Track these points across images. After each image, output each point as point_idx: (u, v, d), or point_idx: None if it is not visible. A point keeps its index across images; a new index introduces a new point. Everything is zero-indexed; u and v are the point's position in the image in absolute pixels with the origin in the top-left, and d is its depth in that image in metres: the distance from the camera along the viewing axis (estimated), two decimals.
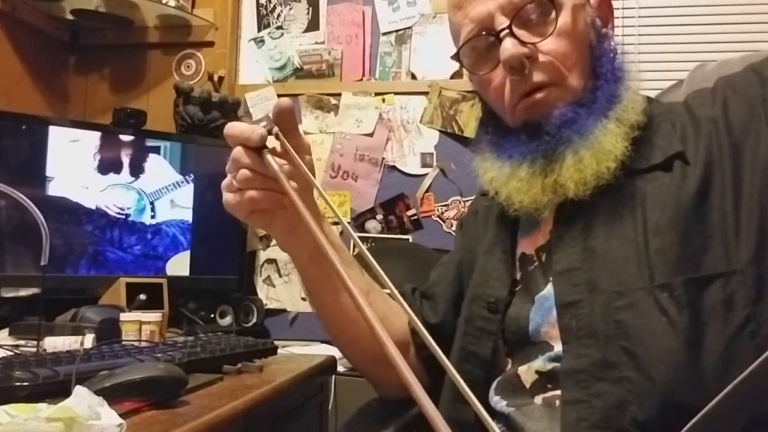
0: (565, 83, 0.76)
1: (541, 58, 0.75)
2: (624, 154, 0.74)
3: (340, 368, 1.59)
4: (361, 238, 2.00)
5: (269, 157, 0.70)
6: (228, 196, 0.76)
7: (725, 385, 0.48)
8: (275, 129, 0.73)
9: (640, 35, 1.94)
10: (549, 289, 0.76)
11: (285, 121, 0.74)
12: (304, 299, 2.03)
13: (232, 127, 0.73)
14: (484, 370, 0.81)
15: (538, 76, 0.76)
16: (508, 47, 0.75)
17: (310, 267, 0.85)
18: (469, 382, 0.78)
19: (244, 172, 0.73)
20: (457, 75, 1.97)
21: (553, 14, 0.75)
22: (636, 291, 0.69)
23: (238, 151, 0.72)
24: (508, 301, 0.81)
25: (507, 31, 0.75)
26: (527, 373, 0.76)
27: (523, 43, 0.75)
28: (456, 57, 0.82)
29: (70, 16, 2.04)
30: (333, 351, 1.67)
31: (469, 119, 1.95)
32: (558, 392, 0.71)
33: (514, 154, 0.78)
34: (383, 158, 2.02)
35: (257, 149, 0.72)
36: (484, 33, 0.78)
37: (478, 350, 0.82)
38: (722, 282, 0.67)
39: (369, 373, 0.96)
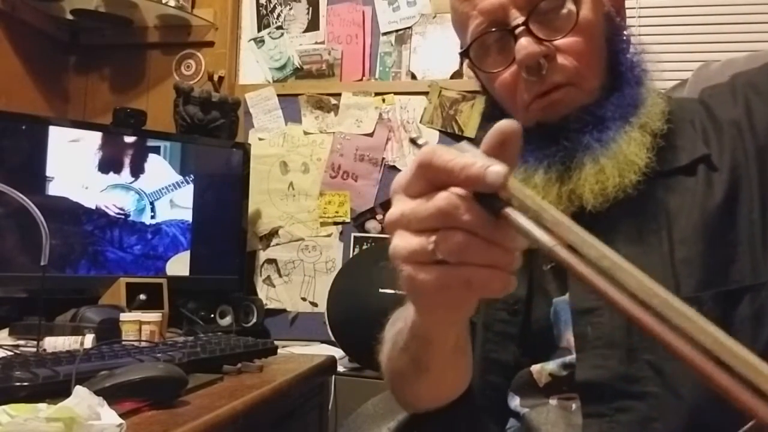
0: (583, 83, 0.71)
1: (560, 57, 0.69)
2: (648, 165, 0.69)
3: (340, 368, 1.59)
4: (361, 237, 2.00)
5: (517, 215, 0.41)
6: (422, 274, 0.43)
7: None
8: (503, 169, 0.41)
9: (640, 35, 1.94)
10: (567, 297, 0.72)
11: (509, 155, 0.44)
12: (304, 299, 2.03)
13: (443, 155, 0.42)
14: (506, 376, 0.76)
15: (556, 76, 0.70)
16: (525, 45, 0.68)
17: (450, 349, 0.63)
18: (491, 390, 0.77)
19: (461, 238, 0.41)
20: (457, 75, 1.97)
21: (573, 7, 0.69)
22: None
23: (452, 199, 0.41)
24: (527, 301, 0.75)
25: (523, 27, 0.68)
26: (540, 372, 0.73)
27: (540, 40, 0.68)
28: (465, 53, 0.75)
29: (70, 16, 2.04)
30: (333, 351, 1.67)
31: (469, 119, 1.95)
32: (573, 395, 0.70)
33: (529, 158, 0.72)
34: (383, 158, 2.02)
35: (481, 198, 0.41)
36: (495, 29, 0.71)
37: (500, 357, 0.76)
38: (751, 296, 0.65)
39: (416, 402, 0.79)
